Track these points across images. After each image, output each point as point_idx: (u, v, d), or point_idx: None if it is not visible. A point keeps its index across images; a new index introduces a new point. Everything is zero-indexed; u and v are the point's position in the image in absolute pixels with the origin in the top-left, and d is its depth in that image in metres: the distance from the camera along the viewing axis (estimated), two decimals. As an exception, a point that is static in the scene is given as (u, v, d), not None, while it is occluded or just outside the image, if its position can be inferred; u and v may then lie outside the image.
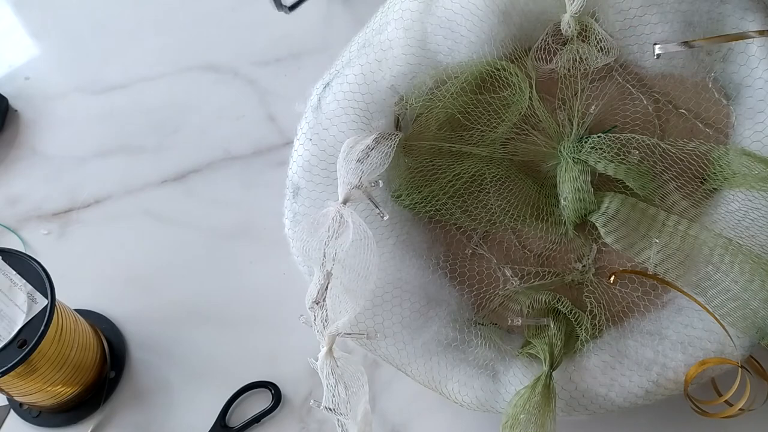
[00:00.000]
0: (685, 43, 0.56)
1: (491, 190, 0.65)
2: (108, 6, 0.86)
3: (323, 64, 0.69)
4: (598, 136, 0.63)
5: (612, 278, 0.62)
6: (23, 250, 0.72)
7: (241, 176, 0.78)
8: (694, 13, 0.63)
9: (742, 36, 0.58)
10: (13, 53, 0.84)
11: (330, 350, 0.57)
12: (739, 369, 0.59)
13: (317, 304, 0.57)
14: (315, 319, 0.58)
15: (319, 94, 0.66)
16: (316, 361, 0.58)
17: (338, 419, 0.57)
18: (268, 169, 0.78)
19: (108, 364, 0.71)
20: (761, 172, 0.61)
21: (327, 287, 0.57)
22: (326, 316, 0.57)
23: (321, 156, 0.64)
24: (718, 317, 0.59)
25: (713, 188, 0.64)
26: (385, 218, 0.60)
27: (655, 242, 0.61)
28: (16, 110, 0.82)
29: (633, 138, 0.63)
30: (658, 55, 0.63)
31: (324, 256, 0.57)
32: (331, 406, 0.57)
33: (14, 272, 0.62)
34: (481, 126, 0.65)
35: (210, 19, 0.85)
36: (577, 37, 0.66)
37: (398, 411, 0.69)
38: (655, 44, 0.63)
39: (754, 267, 0.58)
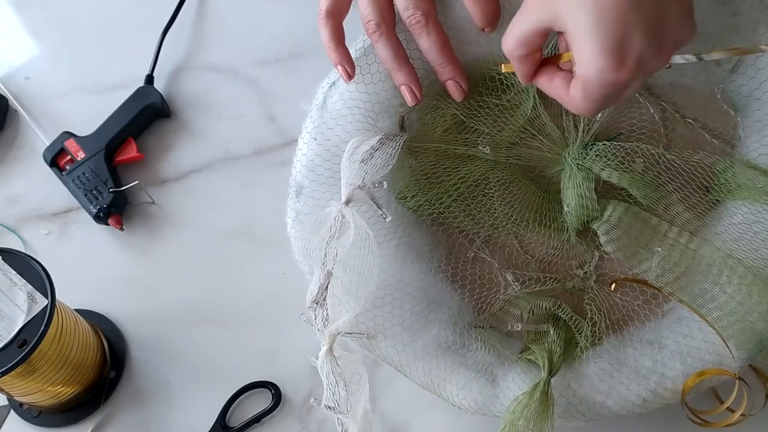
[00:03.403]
0: (697, 55, 0.56)
1: (495, 195, 0.65)
2: (108, 6, 0.85)
3: (324, 64, 0.68)
4: (604, 144, 0.63)
5: (613, 286, 0.62)
6: (23, 250, 0.72)
7: (241, 176, 0.78)
8: (705, 23, 0.61)
9: (754, 49, 0.57)
10: (13, 53, 0.83)
11: (330, 349, 0.57)
12: (737, 381, 0.59)
13: (317, 303, 0.57)
14: (315, 318, 0.58)
15: (324, 93, 0.66)
16: (317, 359, 0.58)
17: (338, 418, 0.57)
18: (269, 169, 0.77)
19: (108, 364, 0.71)
20: (766, 185, 0.61)
21: (327, 287, 0.57)
22: (326, 315, 0.57)
23: (325, 156, 0.63)
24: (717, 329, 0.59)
25: (717, 199, 0.64)
26: (388, 219, 0.59)
27: (658, 251, 0.61)
28: (16, 110, 0.81)
29: (638, 147, 0.63)
30: (669, 66, 0.62)
31: (325, 255, 0.57)
32: (331, 405, 0.57)
33: (14, 272, 0.62)
34: (487, 128, 0.65)
35: (210, 19, 0.84)
36: None
37: (399, 410, 0.69)
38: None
39: (752, 281, 0.58)
